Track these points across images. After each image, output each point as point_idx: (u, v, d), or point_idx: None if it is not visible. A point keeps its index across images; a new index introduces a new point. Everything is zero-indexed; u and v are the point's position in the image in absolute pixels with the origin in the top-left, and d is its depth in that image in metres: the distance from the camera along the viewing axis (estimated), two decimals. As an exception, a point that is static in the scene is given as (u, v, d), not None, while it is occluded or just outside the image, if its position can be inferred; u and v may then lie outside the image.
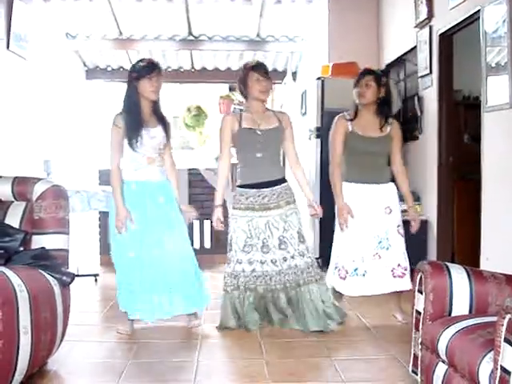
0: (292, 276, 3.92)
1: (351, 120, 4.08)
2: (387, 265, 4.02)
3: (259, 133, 3.89)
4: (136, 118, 3.78)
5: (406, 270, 4.01)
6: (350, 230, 4.03)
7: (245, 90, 3.95)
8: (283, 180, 3.99)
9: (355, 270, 4.03)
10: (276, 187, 3.93)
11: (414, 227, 4.12)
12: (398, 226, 4.08)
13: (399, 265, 4.02)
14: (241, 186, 3.96)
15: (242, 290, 3.89)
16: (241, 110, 4.09)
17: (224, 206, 4.00)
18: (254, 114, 3.95)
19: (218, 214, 3.92)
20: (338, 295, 4.19)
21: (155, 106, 3.91)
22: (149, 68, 3.79)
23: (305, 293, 3.90)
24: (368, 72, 4.10)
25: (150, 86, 3.76)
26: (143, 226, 3.80)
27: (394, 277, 4.01)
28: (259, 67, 3.93)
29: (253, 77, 3.89)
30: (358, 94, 4.05)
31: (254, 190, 3.91)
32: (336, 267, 4.08)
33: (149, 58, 4.04)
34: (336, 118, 4.17)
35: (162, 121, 3.92)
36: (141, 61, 3.87)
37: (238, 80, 3.99)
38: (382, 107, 4.08)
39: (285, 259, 3.91)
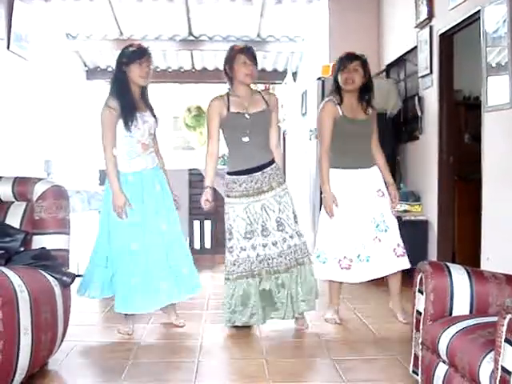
0: (292, 255, 3.90)
1: (339, 104, 4.06)
2: (389, 245, 4.01)
3: (247, 117, 3.85)
4: (130, 99, 3.79)
5: (404, 249, 4.03)
6: (346, 217, 4.02)
7: (230, 72, 3.89)
8: (272, 161, 3.96)
9: (358, 256, 4.01)
10: (266, 169, 3.90)
11: (393, 205, 4.10)
12: (392, 207, 4.10)
13: (399, 244, 4.02)
14: (231, 173, 3.92)
15: (248, 276, 3.85)
16: (228, 90, 4.00)
17: (214, 188, 3.96)
18: (242, 98, 3.91)
19: (207, 195, 3.87)
20: (335, 290, 4.17)
21: (144, 92, 3.91)
22: (139, 53, 3.78)
23: (307, 271, 3.92)
24: (355, 57, 4.06)
25: (140, 71, 3.76)
26: (143, 217, 3.81)
27: (397, 256, 4.01)
28: (247, 51, 3.87)
29: (240, 59, 3.83)
30: (345, 80, 4.02)
31: (245, 175, 3.88)
32: (328, 258, 4.05)
33: (138, 43, 4.01)
34: (323, 103, 4.15)
35: (149, 106, 3.93)
36: (130, 45, 3.85)
37: (225, 61, 3.94)
38: (365, 91, 4.08)
39: (284, 240, 3.89)
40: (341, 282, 4.15)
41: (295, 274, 3.89)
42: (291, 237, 3.91)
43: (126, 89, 3.79)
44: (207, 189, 3.89)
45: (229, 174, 3.93)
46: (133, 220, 3.78)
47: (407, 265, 4.01)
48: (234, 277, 3.87)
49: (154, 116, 3.93)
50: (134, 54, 3.76)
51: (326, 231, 4.11)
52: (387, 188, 4.13)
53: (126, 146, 3.81)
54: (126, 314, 3.87)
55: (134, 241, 3.78)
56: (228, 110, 3.86)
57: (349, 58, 4.06)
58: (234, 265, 3.87)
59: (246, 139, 3.87)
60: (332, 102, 4.07)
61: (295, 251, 3.90)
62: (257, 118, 3.87)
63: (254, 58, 3.88)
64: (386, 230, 4.03)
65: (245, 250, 3.87)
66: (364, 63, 4.05)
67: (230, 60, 3.89)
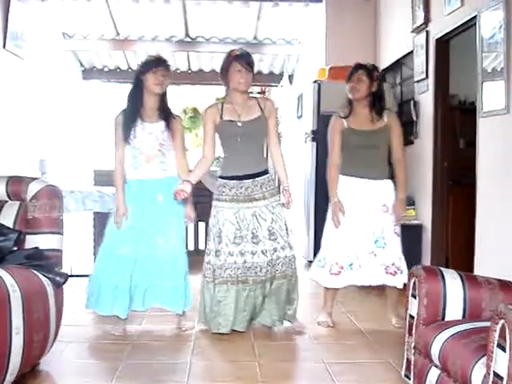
0: (280, 266, 3.89)
1: (346, 117, 4.08)
2: (382, 263, 4.00)
3: (240, 124, 3.84)
4: (132, 111, 3.85)
5: (398, 269, 3.98)
6: (345, 225, 4.02)
7: (225, 78, 3.89)
8: (265, 172, 3.93)
9: (350, 265, 4.02)
10: (258, 179, 3.89)
11: (395, 221, 4.05)
12: (396, 225, 4.05)
13: (393, 264, 4.00)
14: (222, 178, 3.92)
15: (233, 282, 3.83)
16: (224, 96, 4.02)
17: (193, 185, 3.81)
18: (235, 105, 3.90)
19: (184, 186, 3.70)
20: (330, 294, 4.17)
21: (161, 102, 3.93)
22: (154, 62, 3.87)
23: (291, 285, 3.92)
24: (360, 66, 4.09)
25: (155, 79, 3.81)
26: (139, 224, 3.82)
27: (387, 273, 4.00)
28: (242, 58, 3.84)
29: (235, 67, 3.81)
30: (351, 89, 4.05)
31: (236, 181, 3.87)
32: (326, 263, 4.06)
33: (157, 54, 4.11)
34: (332, 118, 4.17)
35: (164, 116, 3.92)
36: (149, 56, 3.96)
37: (220, 67, 3.94)
38: (375, 101, 4.06)
39: (275, 250, 3.88)
40: (337, 288, 4.15)
41: (281, 285, 3.89)
42: (282, 248, 3.90)
43: (135, 100, 3.88)
44: (186, 183, 3.74)
45: (220, 177, 3.93)
46: (128, 224, 3.81)
47: (397, 284, 3.99)
48: (219, 281, 3.84)
49: (168, 125, 3.89)
50: (149, 63, 3.87)
51: (329, 238, 4.11)
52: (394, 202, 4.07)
53: (130, 155, 3.88)
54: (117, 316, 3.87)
55: (124, 245, 3.80)
56: (221, 117, 3.87)
57: (354, 67, 4.11)
58: (221, 269, 3.84)
59: (238, 147, 3.86)
60: (338, 116, 4.11)
61: (283, 263, 3.90)
62: (249, 126, 3.86)
63: (249, 66, 3.85)
64: (383, 247, 4.01)
65: (232, 255, 3.85)
66: (370, 72, 4.04)
67: (225, 67, 3.89)
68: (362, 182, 4.04)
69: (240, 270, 3.84)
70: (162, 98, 3.93)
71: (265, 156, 4.04)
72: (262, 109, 3.91)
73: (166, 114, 3.93)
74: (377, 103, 4.06)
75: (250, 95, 4.07)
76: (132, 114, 3.86)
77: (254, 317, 3.94)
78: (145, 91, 3.86)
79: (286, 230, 3.92)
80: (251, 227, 3.86)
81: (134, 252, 3.80)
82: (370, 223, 4.01)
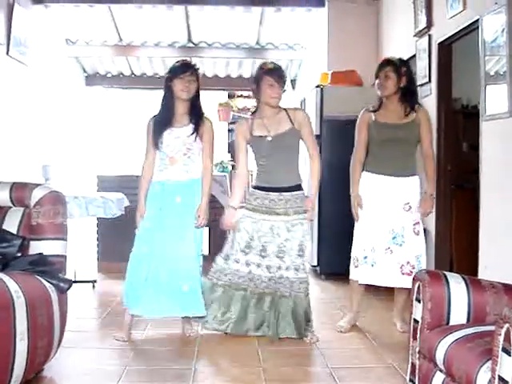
0: (281, 286, 3.87)
1: (374, 111, 4.07)
2: (398, 261, 3.97)
3: (269, 139, 3.84)
4: (162, 118, 3.92)
5: (413, 268, 3.92)
6: (365, 220, 4.03)
7: (257, 92, 3.89)
8: (295, 188, 3.90)
9: (365, 258, 4.02)
10: (285, 194, 3.87)
11: (420, 217, 4.06)
12: (415, 224, 4.01)
13: (408, 262, 3.96)
14: (253, 187, 3.97)
15: (232, 287, 3.88)
16: (253, 112, 4.03)
17: (234, 208, 3.95)
18: (265, 119, 3.89)
19: (230, 216, 3.88)
20: (354, 294, 4.17)
21: (192, 107, 3.94)
22: (181, 68, 3.89)
23: (290, 301, 3.87)
24: (387, 63, 4.04)
25: (182, 85, 3.83)
26: (156, 224, 3.85)
27: (403, 274, 3.97)
28: (274, 72, 3.84)
29: (267, 81, 3.80)
30: (379, 86, 4.03)
31: (263, 192, 3.89)
32: (352, 258, 4.11)
33: (184, 59, 4.15)
34: (361, 111, 4.16)
35: (194, 120, 3.91)
36: (177, 62, 3.99)
37: (252, 81, 3.96)
38: (405, 96, 4.02)
39: (279, 268, 3.87)
40: (362, 289, 4.15)
41: (284, 303, 3.87)
42: (287, 268, 3.88)
43: (165, 107, 3.94)
44: (230, 209, 3.90)
45: (252, 187, 3.99)
46: (146, 225, 3.88)
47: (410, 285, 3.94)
48: (221, 283, 3.91)
49: (196, 129, 3.88)
50: (176, 69, 3.90)
51: (354, 235, 4.13)
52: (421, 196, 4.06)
53: (159, 158, 3.97)
54: (132, 315, 3.87)
55: (145, 244, 3.85)
56: (251, 133, 3.89)
57: (381, 64, 4.08)
58: (222, 272, 3.90)
59: (266, 161, 3.88)
60: (367, 109, 4.11)
61: (284, 284, 3.88)
62: (279, 139, 3.85)
63: (280, 80, 3.84)
64: (400, 245, 3.99)
65: (238, 262, 3.89)
66: (397, 68, 3.99)
67: (256, 80, 3.88)
68: (386, 180, 4.01)
69: (242, 279, 3.88)
70: (194, 102, 3.93)
71: (298, 170, 4.00)
72: (291, 121, 3.89)
73: (196, 118, 3.92)
74: (407, 98, 4.02)
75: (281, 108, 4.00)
76: (161, 121, 3.91)
77: (264, 327, 3.91)
78: (175, 97, 3.88)
79: (299, 251, 3.88)
80: (263, 240, 3.87)
81: (152, 252, 3.81)
82: (391, 220, 3.99)
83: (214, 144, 4.00)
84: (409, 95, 4.03)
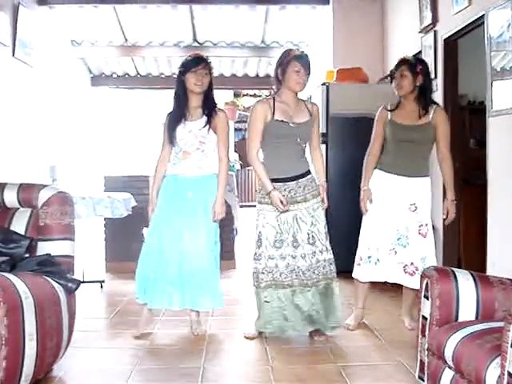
0: (321, 269, 3.83)
1: (392, 110, 4.05)
2: (401, 261, 3.97)
3: (292, 125, 3.78)
4: (176, 113, 3.93)
5: (417, 269, 3.91)
6: (371, 219, 4.03)
7: (282, 76, 3.78)
8: (308, 172, 3.90)
9: (369, 257, 4.02)
10: (301, 180, 3.84)
11: (446, 220, 4.07)
12: (421, 225, 3.98)
13: (412, 263, 3.95)
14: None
15: (278, 286, 3.81)
16: (275, 93, 3.92)
17: (273, 189, 3.77)
18: (287, 105, 3.83)
19: (275, 197, 3.70)
20: (360, 291, 4.16)
21: (205, 99, 3.94)
22: (194, 62, 3.87)
23: (334, 287, 3.86)
24: (402, 62, 4.00)
25: (195, 79, 3.83)
26: (166, 217, 3.87)
27: (405, 272, 3.97)
28: (301, 58, 3.76)
29: (294, 67, 3.73)
30: (395, 86, 4.00)
31: (280, 183, 3.80)
32: (357, 256, 4.11)
33: (196, 52, 4.11)
34: (379, 109, 4.14)
35: (208, 113, 3.91)
36: (189, 56, 3.97)
37: (277, 64, 3.84)
38: (420, 95, 3.97)
39: (314, 254, 3.83)
40: (367, 286, 4.15)
41: (323, 289, 3.84)
42: (321, 251, 3.85)
43: (178, 102, 3.94)
44: (272, 193, 3.72)
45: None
46: (156, 218, 3.91)
47: (415, 284, 3.83)
48: (264, 285, 3.82)
49: (208, 121, 3.87)
50: (189, 63, 3.88)
51: (360, 233, 4.13)
52: (443, 201, 4.07)
53: (173, 152, 3.99)
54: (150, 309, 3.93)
55: (153, 235, 3.89)
56: (273, 115, 3.78)
57: (397, 63, 4.04)
58: (263, 273, 3.82)
59: (287, 148, 3.80)
60: (385, 107, 4.09)
61: (324, 266, 3.85)
62: (300, 128, 3.81)
63: (307, 67, 3.78)
64: (405, 246, 3.97)
65: (273, 258, 3.81)
66: (412, 66, 3.94)
67: (283, 64, 3.78)
68: (396, 179, 3.99)
69: (284, 274, 3.81)
70: (207, 95, 3.93)
71: (306, 157, 3.98)
72: (310, 112, 3.88)
73: (209, 110, 3.92)
74: (422, 97, 3.98)
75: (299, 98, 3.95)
76: (175, 116, 3.92)
77: (313, 321, 3.86)
78: (188, 91, 3.89)
79: (325, 233, 3.88)
80: (292, 231, 3.82)
81: (159, 244, 3.84)
82: (396, 220, 3.98)
83: (229, 136, 4.00)
84: (424, 94, 3.97)
